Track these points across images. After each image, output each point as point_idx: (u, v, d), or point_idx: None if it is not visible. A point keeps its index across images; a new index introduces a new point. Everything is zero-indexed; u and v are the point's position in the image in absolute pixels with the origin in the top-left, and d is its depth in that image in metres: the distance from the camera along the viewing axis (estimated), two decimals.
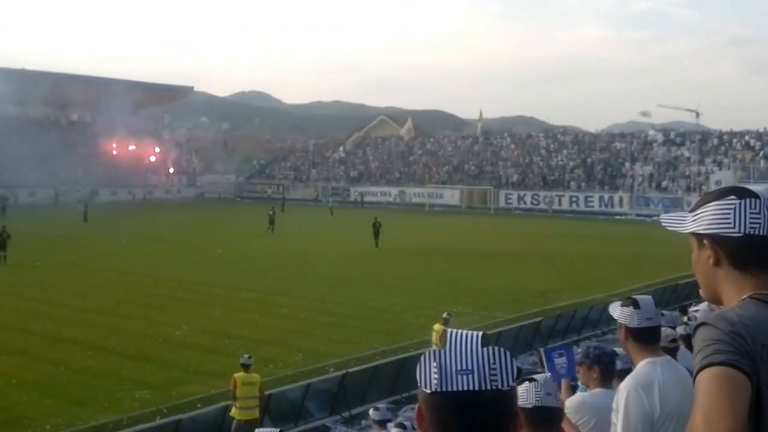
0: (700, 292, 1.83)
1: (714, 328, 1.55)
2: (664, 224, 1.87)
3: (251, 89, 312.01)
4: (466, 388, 1.43)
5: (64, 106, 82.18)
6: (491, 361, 1.44)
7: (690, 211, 1.79)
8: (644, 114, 71.64)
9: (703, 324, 1.58)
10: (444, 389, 1.44)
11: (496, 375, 1.44)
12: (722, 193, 1.73)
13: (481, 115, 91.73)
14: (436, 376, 1.44)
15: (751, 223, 1.67)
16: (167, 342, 18.02)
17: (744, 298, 1.64)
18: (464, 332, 1.51)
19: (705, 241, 1.74)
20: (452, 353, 1.46)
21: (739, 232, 1.67)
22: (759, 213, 1.67)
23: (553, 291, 25.13)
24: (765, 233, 1.66)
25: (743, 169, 59.21)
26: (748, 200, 1.68)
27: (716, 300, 1.77)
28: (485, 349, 1.46)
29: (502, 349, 1.47)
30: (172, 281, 26.33)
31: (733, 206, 1.69)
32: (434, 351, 1.49)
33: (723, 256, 1.71)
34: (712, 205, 1.72)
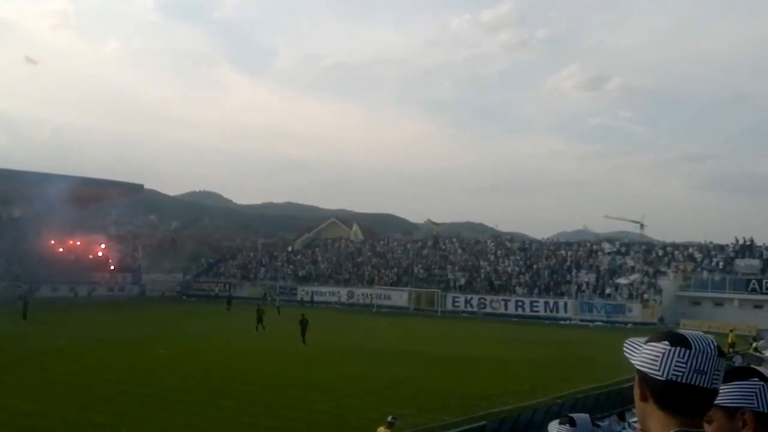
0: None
1: None
2: (625, 349, 1.93)
3: (202, 189, 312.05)
4: None
5: (6, 202, 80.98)
6: None
7: (644, 343, 1.89)
8: (584, 227, 74.10)
9: None
10: None
11: None
12: (661, 337, 1.85)
13: (431, 222, 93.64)
14: None
15: (674, 370, 1.78)
16: None
17: None
18: None
19: (636, 377, 1.88)
20: None
21: (662, 377, 1.79)
22: (685, 363, 1.78)
23: (498, 395, 25.18)
24: (687, 381, 1.77)
25: (684, 279, 60.96)
26: (678, 349, 1.80)
27: (646, 428, 1.89)
28: None
29: None
30: (112, 383, 25.60)
31: (663, 352, 1.81)
32: None
33: (648, 394, 1.84)
34: (650, 346, 1.85)
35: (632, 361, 1.88)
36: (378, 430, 15.66)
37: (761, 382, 2.11)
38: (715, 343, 1.84)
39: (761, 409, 2.08)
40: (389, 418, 15.88)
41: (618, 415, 20.40)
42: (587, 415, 3.90)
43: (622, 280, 61.76)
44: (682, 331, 1.89)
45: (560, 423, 3.79)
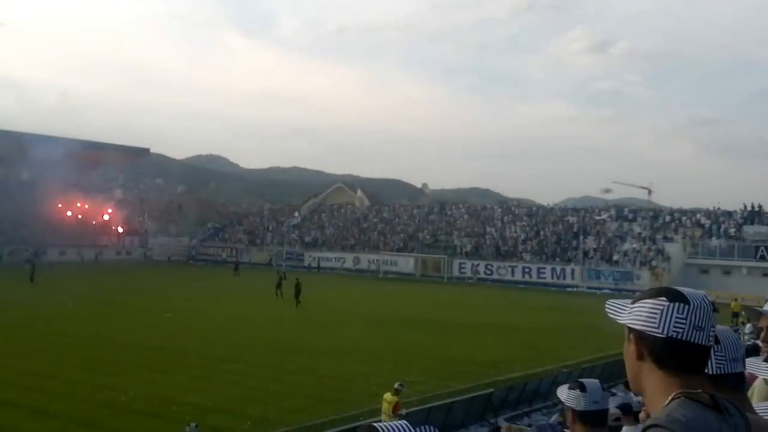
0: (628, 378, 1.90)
1: (669, 431, 1.58)
2: (607, 309, 1.90)
3: (208, 153, 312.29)
4: None
5: (14, 165, 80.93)
6: None
7: (631, 303, 1.85)
8: (606, 191, 73.37)
9: (655, 426, 1.60)
10: None
11: None
12: (657, 293, 1.80)
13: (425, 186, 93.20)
14: None
15: (675, 327, 1.73)
16: (112, 407, 17.49)
17: (677, 396, 1.67)
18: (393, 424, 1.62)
19: (631, 336, 1.82)
20: None
21: (662, 334, 1.74)
22: (685, 319, 1.73)
23: (505, 362, 25.17)
24: (686, 338, 1.72)
25: (692, 246, 60.67)
26: (677, 304, 1.75)
27: (639, 390, 1.84)
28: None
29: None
30: (119, 345, 25.69)
31: (661, 308, 1.76)
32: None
33: (646, 353, 1.78)
34: (646, 303, 1.79)
35: (621, 321, 1.83)
36: (385, 396, 15.60)
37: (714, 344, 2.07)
38: (710, 299, 1.80)
39: (710, 371, 2.08)
40: (396, 385, 15.82)
41: (624, 384, 20.37)
42: (597, 381, 3.76)
43: (625, 246, 61.60)
44: (677, 287, 1.83)
45: (570, 388, 3.64)
